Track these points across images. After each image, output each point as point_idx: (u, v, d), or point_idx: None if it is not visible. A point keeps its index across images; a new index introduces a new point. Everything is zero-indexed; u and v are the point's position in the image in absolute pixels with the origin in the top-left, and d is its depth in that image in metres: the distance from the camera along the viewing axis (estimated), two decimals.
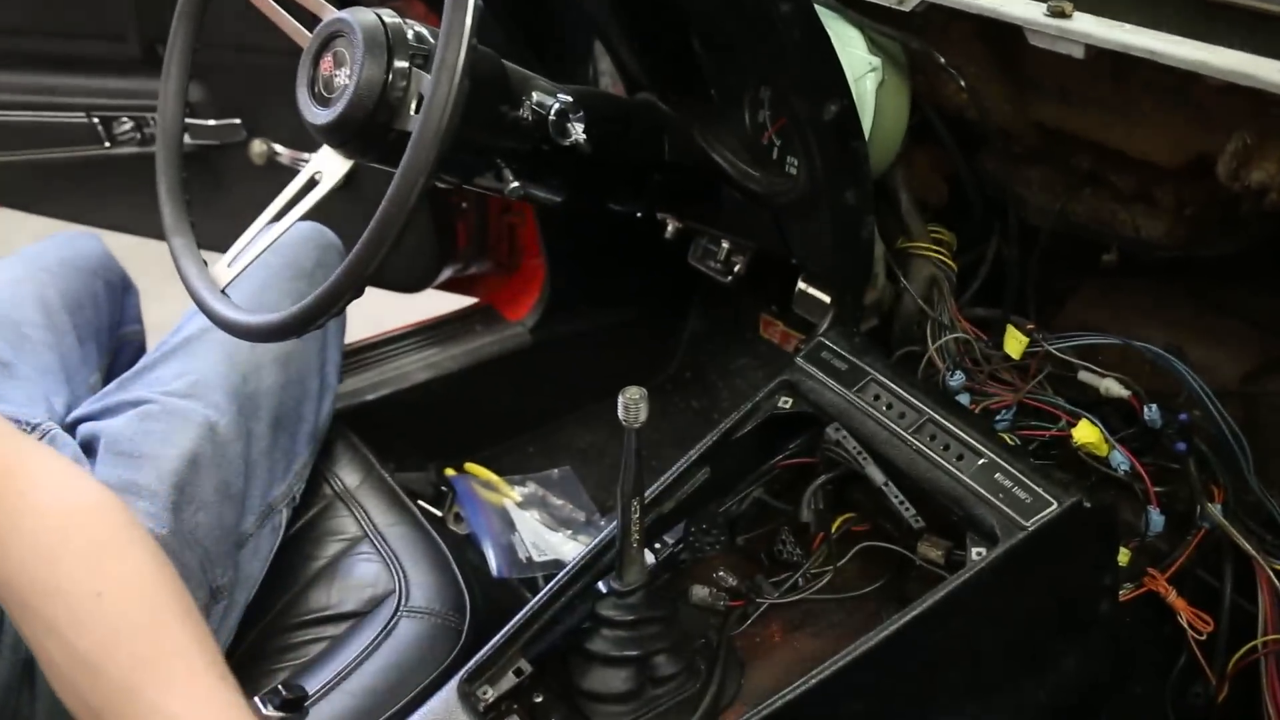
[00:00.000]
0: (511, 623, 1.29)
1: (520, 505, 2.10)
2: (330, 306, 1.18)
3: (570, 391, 2.38)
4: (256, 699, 1.06)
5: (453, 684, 1.26)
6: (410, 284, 2.27)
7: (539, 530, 2.05)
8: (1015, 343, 1.48)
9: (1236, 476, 1.45)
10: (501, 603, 1.68)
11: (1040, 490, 1.24)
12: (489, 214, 2.29)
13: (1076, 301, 1.75)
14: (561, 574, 1.32)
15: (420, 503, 2.01)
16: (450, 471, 2.16)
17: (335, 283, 1.16)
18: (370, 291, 2.17)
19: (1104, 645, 1.37)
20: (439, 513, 2.05)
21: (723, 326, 2.44)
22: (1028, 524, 1.22)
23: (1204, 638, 1.40)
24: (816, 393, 1.41)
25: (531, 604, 1.30)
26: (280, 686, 1.07)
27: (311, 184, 1.31)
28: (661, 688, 1.27)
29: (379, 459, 1.79)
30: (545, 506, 2.12)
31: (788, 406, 1.43)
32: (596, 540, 1.35)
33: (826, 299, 1.64)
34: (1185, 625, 1.40)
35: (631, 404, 1.15)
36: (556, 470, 2.25)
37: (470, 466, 2.19)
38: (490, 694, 1.26)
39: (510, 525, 2.04)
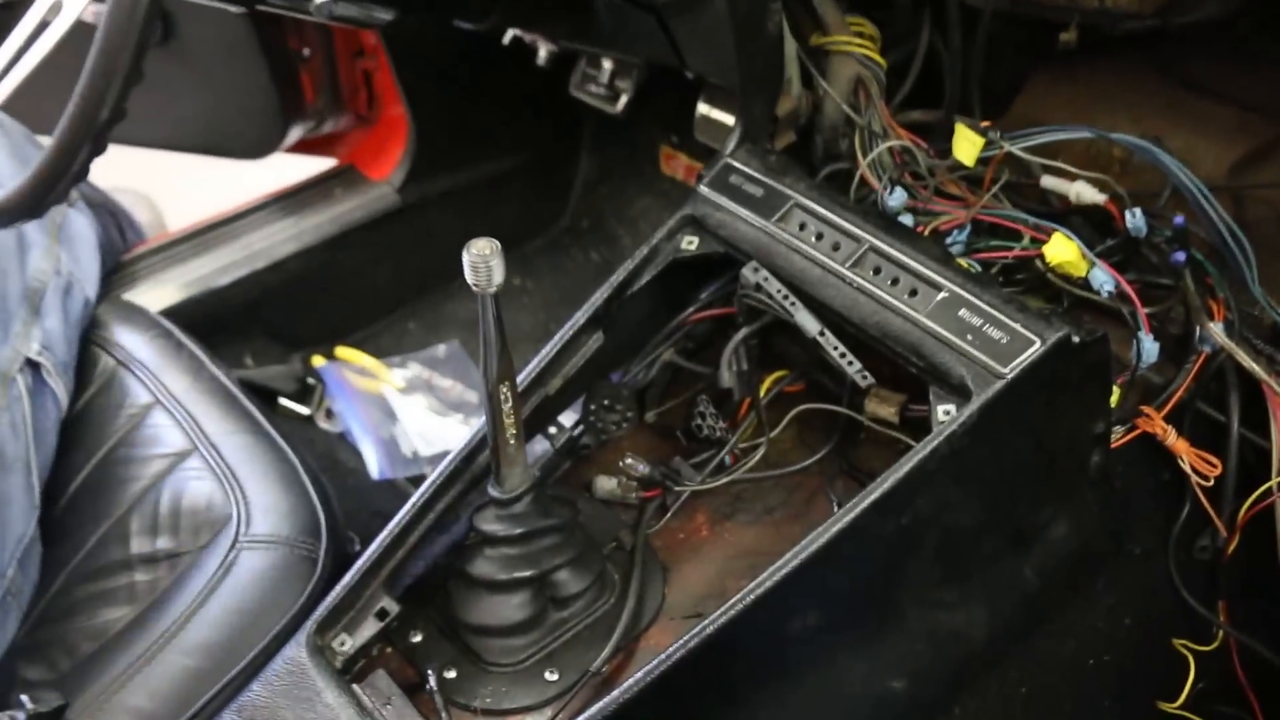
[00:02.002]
0: (366, 554, 1.04)
1: (402, 391, 1.83)
2: (66, 169, 0.89)
3: (450, 256, 2.04)
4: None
5: (300, 638, 1.00)
6: (253, 149, 1.97)
7: (425, 418, 1.78)
8: (968, 145, 1.21)
9: (1236, 287, 1.21)
10: (386, 511, 1.43)
11: (1018, 326, 1.00)
12: (338, 59, 1.98)
13: (1027, 95, 1.51)
14: (424, 485, 1.05)
15: (283, 400, 1.75)
16: (319, 360, 1.87)
17: (63, 136, 0.86)
18: (210, 162, 1.91)
19: (1097, 505, 1.14)
20: (306, 410, 1.78)
21: (618, 166, 2.18)
22: (1006, 371, 0.98)
23: (1210, 483, 1.19)
24: (727, 226, 1.14)
25: (389, 528, 1.05)
26: (25, 699, 0.79)
27: (45, 25, 1.01)
28: (567, 609, 1.06)
29: (229, 354, 1.52)
30: (432, 390, 1.85)
31: (693, 248, 1.17)
32: (469, 436, 1.08)
33: (733, 120, 1.37)
34: (1188, 470, 1.19)
35: (480, 262, 0.87)
36: (443, 346, 1.97)
37: (342, 351, 1.91)
38: (349, 645, 1.03)
39: (391, 416, 1.77)
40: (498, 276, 0.88)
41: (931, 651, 1.06)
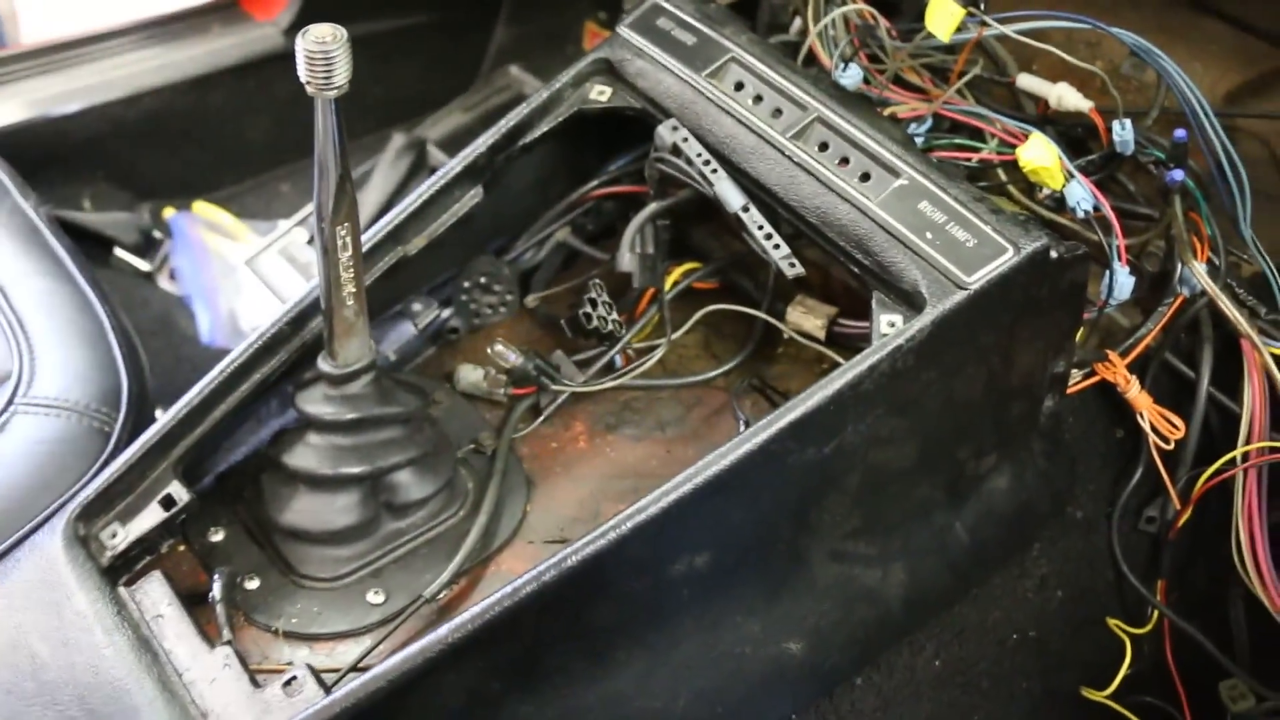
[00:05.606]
0: (155, 426, 0.82)
1: (259, 258, 1.60)
2: None
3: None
4: None
5: (57, 524, 0.80)
6: None
7: (280, 289, 1.55)
8: (945, 16, 1.02)
9: (1225, 225, 1.05)
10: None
11: (989, 229, 0.82)
12: None
13: None
14: (238, 349, 0.85)
15: (120, 252, 1.54)
16: (170, 211, 1.64)
17: None
18: None
19: (1044, 459, 0.98)
20: (147, 266, 1.56)
21: (537, 39, 1.99)
22: (970, 281, 0.81)
23: (1170, 446, 1.04)
24: (648, 77, 0.96)
25: (187, 396, 0.84)
26: None
27: None
28: (405, 518, 0.91)
29: (64, 194, 1.32)
30: (292, 262, 1.62)
31: (604, 99, 0.99)
32: (302, 293, 0.88)
33: None
34: (1147, 428, 1.03)
35: (317, 53, 0.66)
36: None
37: (200, 206, 1.68)
38: (121, 537, 0.82)
39: (240, 283, 1.55)
40: (340, 75, 0.68)
41: (838, 612, 0.89)
